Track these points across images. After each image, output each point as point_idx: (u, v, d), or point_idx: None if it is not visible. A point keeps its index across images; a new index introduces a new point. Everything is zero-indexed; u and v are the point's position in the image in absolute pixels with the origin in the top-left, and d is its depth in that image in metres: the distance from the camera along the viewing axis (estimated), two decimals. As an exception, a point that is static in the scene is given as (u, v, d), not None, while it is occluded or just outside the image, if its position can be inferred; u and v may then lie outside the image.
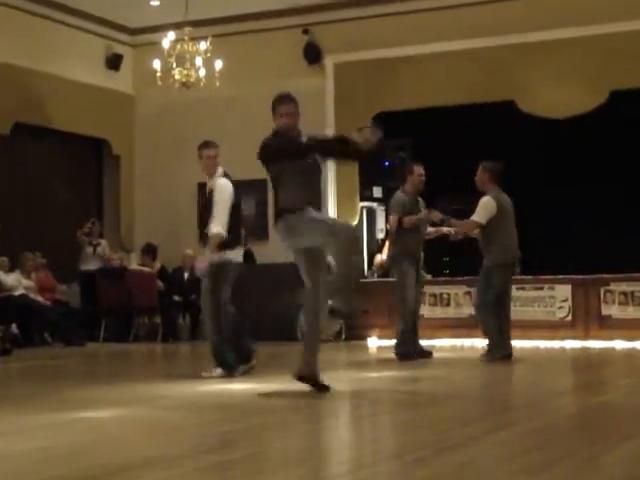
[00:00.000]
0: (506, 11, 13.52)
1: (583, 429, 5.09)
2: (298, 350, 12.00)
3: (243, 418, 5.51)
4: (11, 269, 12.85)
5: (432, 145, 14.77)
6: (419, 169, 9.90)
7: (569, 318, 11.99)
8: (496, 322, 9.24)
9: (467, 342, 12.29)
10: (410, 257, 9.67)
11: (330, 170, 14.76)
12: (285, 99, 7.09)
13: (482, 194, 9.53)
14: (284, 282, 13.19)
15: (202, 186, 8.08)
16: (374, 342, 12.89)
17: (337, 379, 8.18)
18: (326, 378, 7.03)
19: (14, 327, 12.27)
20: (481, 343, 12.12)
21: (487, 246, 9.34)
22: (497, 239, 9.28)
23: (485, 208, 9.35)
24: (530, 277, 12.22)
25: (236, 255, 8.05)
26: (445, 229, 9.80)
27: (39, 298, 12.97)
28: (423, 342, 12.23)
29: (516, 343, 10.82)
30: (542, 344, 11.38)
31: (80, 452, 4.39)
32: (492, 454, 4.18)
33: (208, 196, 7.96)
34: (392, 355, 9.77)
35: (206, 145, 8.19)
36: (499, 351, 9.19)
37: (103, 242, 14.34)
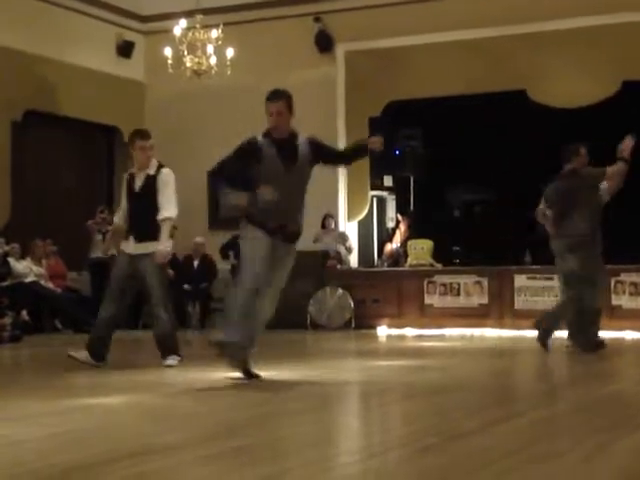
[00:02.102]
0: (518, 0, 13.46)
1: (593, 418, 5.07)
2: (309, 338, 12.04)
3: (251, 406, 5.51)
4: (22, 256, 12.88)
5: (443, 134, 14.76)
6: (584, 150, 9.38)
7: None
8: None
9: (477, 332, 12.27)
10: None
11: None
12: (273, 96, 6.69)
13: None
14: (294, 270, 13.16)
15: (131, 177, 7.69)
16: (384, 331, 12.89)
17: (347, 368, 8.19)
18: (337, 367, 7.02)
19: (24, 314, 12.29)
20: (490, 333, 12.15)
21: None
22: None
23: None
24: (540, 267, 12.19)
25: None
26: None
27: (50, 285, 13.00)
28: (432, 331, 12.27)
29: (527, 333, 10.82)
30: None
31: (88, 438, 4.39)
32: (501, 443, 4.17)
33: (143, 186, 7.56)
34: (402, 344, 9.76)
35: (141, 135, 7.70)
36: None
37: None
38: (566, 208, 8.96)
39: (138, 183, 7.63)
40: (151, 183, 7.58)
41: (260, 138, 6.62)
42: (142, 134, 7.73)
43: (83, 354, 7.51)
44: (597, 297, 8.98)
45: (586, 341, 8.87)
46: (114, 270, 7.72)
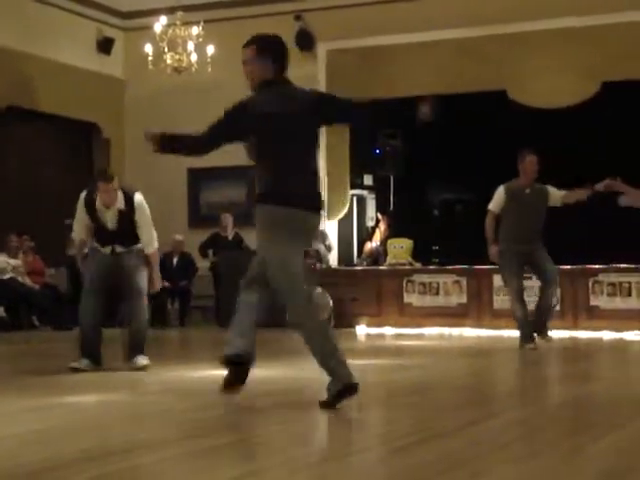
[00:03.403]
0: (499, 1, 13.50)
1: (569, 419, 5.10)
2: (287, 337, 12.03)
3: (227, 405, 5.50)
4: (9, 252, 12.81)
5: (423, 134, 14.76)
6: (531, 156, 9.59)
7: (557, 308, 12.00)
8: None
9: (455, 331, 12.30)
10: None
11: (321, 157, 14.75)
12: (244, 45, 5.51)
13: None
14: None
15: (94, 210, 7.40)
16: (363, 330, 12.90)
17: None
18: (314, 366, 6.99)
19: (1, 310, 12.24)
20: (469, 332, 12.17)
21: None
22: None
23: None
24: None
25: None
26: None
27: (27, 281, 12.94)
28: (411, 330, 12.29)
29: (505, 333, 10.86)
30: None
31: (66, 436, 4.38)
32: (477, 443, 4.18)
33: (119, 222, 7.32)
34: (381, 343, 9.78)
35: (104, 178, 7.38)
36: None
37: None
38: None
39: (110, 219, 7.35)
40: (125, 216, 7.34)
41: None
42: (105, 177, 7.40)
43: (83, 362, 7.21)
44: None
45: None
46: (95, 269, 7.39)
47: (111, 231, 7.34)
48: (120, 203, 7.33)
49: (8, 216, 13.40)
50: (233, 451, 4.03)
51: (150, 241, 7.46)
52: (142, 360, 7.35)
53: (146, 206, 7.43)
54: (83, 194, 7.55)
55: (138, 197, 7.39)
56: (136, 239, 7.43)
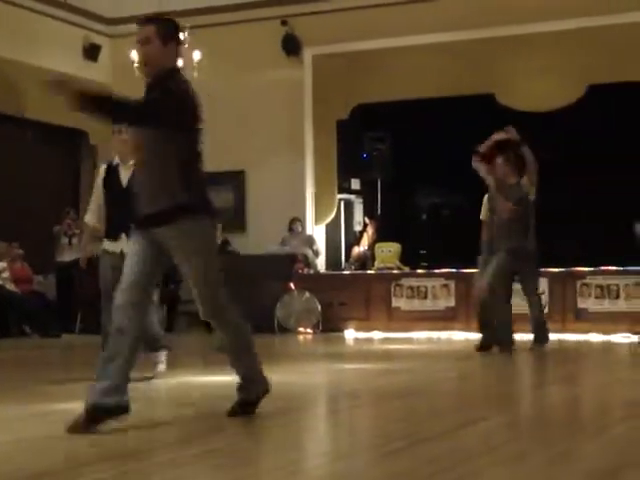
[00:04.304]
0: (486, 4, 13.54)
1: (558, 422, 5.11)
2: (276, 342, 12.03)
3: (218, 410, 5.50)
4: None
5: (411, 138, 14.80)
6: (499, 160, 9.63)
7: (546, 311, 12.02)
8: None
9: (444, 335, 12.32)
10: None
11: (308, 162, 14.78)
12: (138, 22, 4.94)
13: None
14: (262, 273, 13.19)
15: (112, 170, 7.27)
16: (351, 334, 12.91)
17: (314, 371, 8.20)
18: (304, 371, 7.01)
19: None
20: (457, 336, 12.18)
21: (525, 233, 9.35)
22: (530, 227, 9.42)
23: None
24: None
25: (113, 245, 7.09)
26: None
27: (14, 288, 12.90)
28: (400, 334, 12.29)
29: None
30: (519, 337, 11.41)
31: (54, 444, 4.37)
32: (467, 446, 4.19)
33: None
34: (369, 347, 9.79)
35: (117, 131, 7.35)
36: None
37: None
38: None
39: (123, 176, 7.05)
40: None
41: None
42: (118, 130, 7.26)
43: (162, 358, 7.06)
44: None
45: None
46: (106, 274, 6.98)
47: (123, 199, 6.58)
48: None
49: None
50: (224, 457, 4.03)
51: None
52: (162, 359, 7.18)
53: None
54: (103, 166, 7.44)
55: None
56: None
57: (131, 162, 6.62)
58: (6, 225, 13.53)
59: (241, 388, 4.99)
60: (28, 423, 5.00)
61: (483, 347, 9.37)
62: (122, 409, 4.54)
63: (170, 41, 4.79)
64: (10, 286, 12.87)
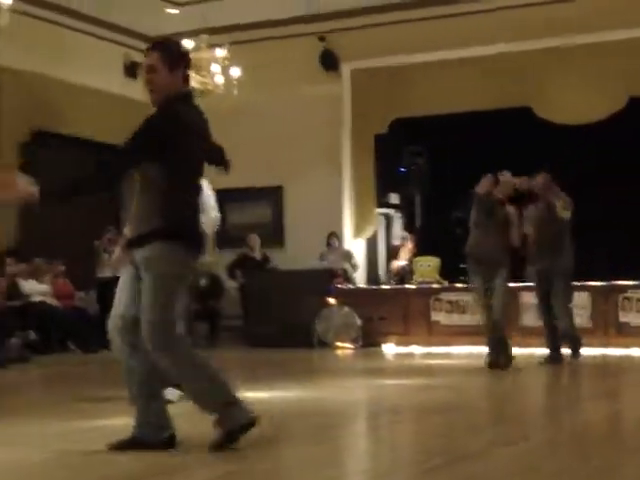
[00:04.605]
0: (522, 17, 13.50)
1: (598, 439, 5.07)
2: (315, 356, 12.03)
3: (261, 426, 5.51)
4: (31, 276, 12.92)
5: (448, 152, 14.77)
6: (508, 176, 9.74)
7: (588, 325, 11.93)
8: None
9: (483, 349, 12.23)
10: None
11: (346, 177, 14.81)
12: (147, 49, 4.83)
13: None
14: (301, 288, 13.22)
15: None
16: (390, 349, 12.88)
17: (353, 387, 8.20)
18: (343, 386, 7.00)
19: (32, 334, 12.32)
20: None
21: (562, 250, 9.40)
22: (567, 245, 9.43)
23: (568, 203, 9.48)
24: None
25: None
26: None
27: (56, 304, 13.03)
28: (439, 349, 12.25)
29: (534, 351, 10.78)
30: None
31: (96, 461, 4.40)
32: (505, 464, 4.17)
33: None
34: (409, 362, 9.76)
35: None
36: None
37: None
38: None
39: None
40: None
41: None
42: None
43: (175, 393, 6.56)
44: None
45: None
46: None
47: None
48: None
49: (39, 240, 13.50)
50: (264, 474, 4.04)
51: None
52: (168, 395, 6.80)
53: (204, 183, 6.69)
54: None
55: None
56: None
57: None
58: (49, 242, 13.68)
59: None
60: (71, 439, 5.04)
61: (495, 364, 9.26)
62: (169, 443, 4.56)
63: (176, 67, 4.72)
64: (52, 302, 13.00)
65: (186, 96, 4.82)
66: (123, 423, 5.67)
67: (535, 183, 9.67)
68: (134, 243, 4.68)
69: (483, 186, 9.51)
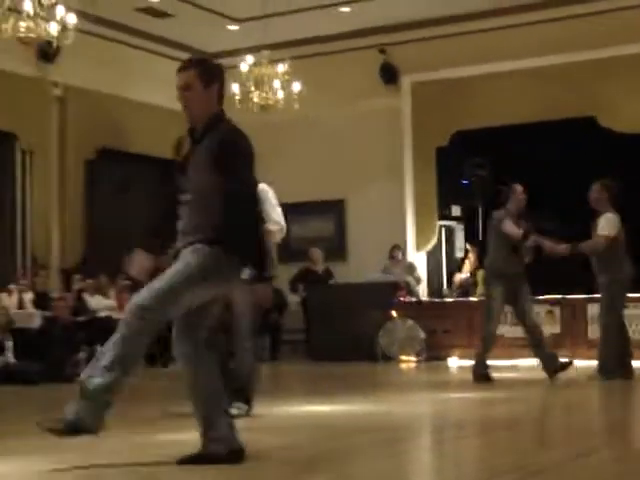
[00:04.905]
0: (584, 26, 13.39)
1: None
2: (379, 370, 12.00)
3: (324, 441, 5.52)
4: (97, 292, 13.10)
5: (510, 163, 14.65)
6: (520, 188, 9.74)
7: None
8: (617, 343, 9.19)
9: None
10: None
11: (408, 189, 14.78)
12: (180, 67, 4.83)
13: (595, 213, 9.42)
14: (363, 301, 13.20)
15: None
16: (455, 362, 12.80)
17: (418, 400, 8.16)
18: (408, 400, 6.94)
19: (99, 348, 12.48)
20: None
21: (607, 262, 9.22)
22: (619, 255, 9.23)
23: (611, 222, 9.26)
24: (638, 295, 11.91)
25: None
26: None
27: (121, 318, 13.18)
28: (504, 362, 12.13)
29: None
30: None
31: (157, 475, 4.44)
32: (578, 479, 4.11)
33: None
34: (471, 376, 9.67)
35: None
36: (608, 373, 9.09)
37: None
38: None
39: None
40: None
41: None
42: None
43: (243, 407, 6.60)
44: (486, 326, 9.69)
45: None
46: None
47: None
48: None
49: (103, 255, 13.69)
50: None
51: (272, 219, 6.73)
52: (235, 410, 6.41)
53: (270, 194, 6.74)
54: None
55: (262, 184, 6.54)
56: None
57: None
58: (112, 258, 13.83)
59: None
60: (134, 454, 5.07)
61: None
62: (237, 458, 4.54)
63: (212, 84, 4.71)
64: (118, 317, 13.15)
65: (224, 115, 4.80)
66: (189, 438, 5.71)
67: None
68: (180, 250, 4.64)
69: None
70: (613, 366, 9.07)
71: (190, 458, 4.55)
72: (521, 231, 9.55)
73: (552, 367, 9.38)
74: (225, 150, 4.60)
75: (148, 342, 4.58)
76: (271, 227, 6.71)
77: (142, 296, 4.53)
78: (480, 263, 14.26)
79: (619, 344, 9.20)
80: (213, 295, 4.64)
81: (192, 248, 4.53)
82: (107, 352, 4.56)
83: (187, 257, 4.54)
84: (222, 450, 4.52)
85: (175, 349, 4.71)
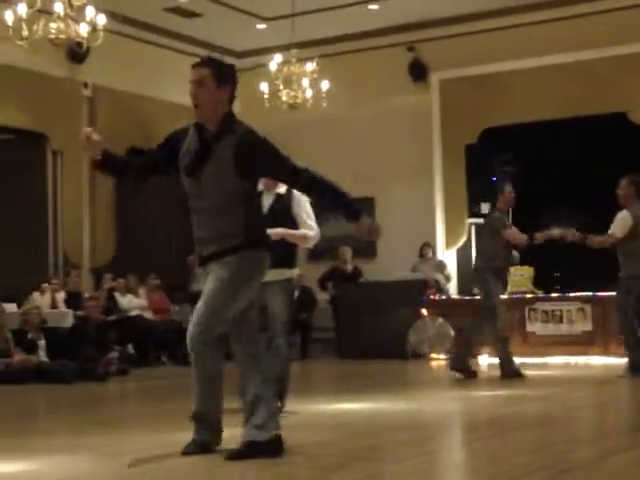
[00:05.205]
0: (614, 22, 13.29)
1: None
2: (410, 368, 11.98)
3: (354, 439, 5.52)
4: (127, 291, 13.18)
5: (539, 159, 14.60)
6: (509, 188, 10.04)
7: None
8: (637, 336, 9.18)
9: (581, 360, 12.05)
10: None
11: (437, 187, 14.74)
12: (195, 63, 4.95)
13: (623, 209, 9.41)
14: (393, 299, 13.18)
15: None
16: (486, 360, 12.74)
17: (448, 398, 8.14)
18: (439, 398, 6.92)
19: (130, 347, 12.56)
20: (595, 361, 11.89)
21: (625, 258, 9.23)
22: (636, 252, 9.15)
23: (623, 221, 9.28)
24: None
25: None
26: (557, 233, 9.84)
27: (151, 317, 13.25)
28: (535, 360, 12.06)
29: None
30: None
31: (193, 475, 4.45)
32: (613, 478, 4.09)
33: (274, 205, 6.71)
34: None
35: None
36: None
37: None
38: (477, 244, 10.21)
39: (266, 202, 6.60)
40: (284, 202, 6.70)
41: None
42: None
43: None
44: (497, 325, 9.68)
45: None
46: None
47: (266, 217, 6.17)
48: (281, 187, 6.72)
49: (134, 255, 13.77)
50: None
51: (309, 224, 6.82)
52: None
53: (306, 199, 6.73)
54: None
55: (297, 193, 6.59)
56: (287, 251, 6.66)
57: (276, 190, 6.72)
58: (143, 258, 13.93)
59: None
60: (170, 452, 5.09)
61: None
62: (278, 445, 4.69)
63: (225, 84, 4.80)
64: (149, 316, 13.23)
65: (234, 116, 4.90)
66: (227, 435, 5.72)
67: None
68: (215, 257, 4.74)
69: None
70: None
71: (236, 452, 4.63)
72: (525, 236, 9.86)
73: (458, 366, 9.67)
74: (254, 151, 4.73)
75: (220, 357, 4.82)
76: (308, 233, 6.80)
77: (194, 331, 4.72)
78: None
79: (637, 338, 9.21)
80: (250, 299, 4.78)
81: (221, 263, 4.67)
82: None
83: (219, 273, 4.67)
84: (265, 437, 4.63)
85: (236, 350, 4.84)
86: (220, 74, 4.79)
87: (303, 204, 6.79)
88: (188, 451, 4.78)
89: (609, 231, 9.38)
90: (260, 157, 4.73)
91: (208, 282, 4.74)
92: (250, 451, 4.61)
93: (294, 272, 6.90)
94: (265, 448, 4.62)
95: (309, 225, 6.80)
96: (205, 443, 4.81)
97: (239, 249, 4.66)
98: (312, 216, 6.90)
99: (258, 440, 4.64)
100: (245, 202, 4.71)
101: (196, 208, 4.81)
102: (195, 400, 4.85)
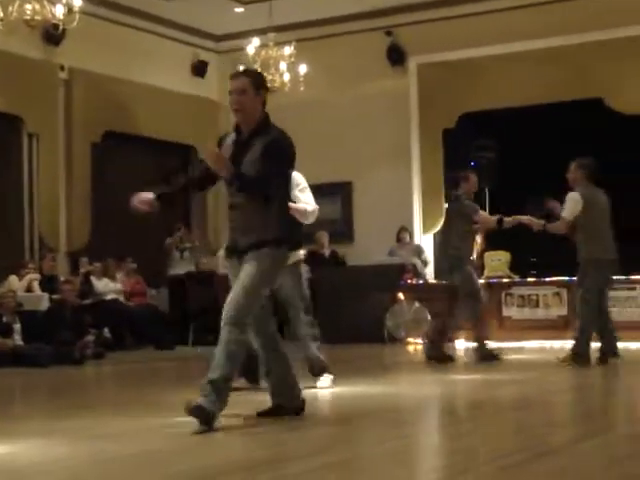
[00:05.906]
0: (591, 8, 13.32)
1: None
2: (386, 352, 12.01)
3: (336, 422, 5.53)
4: (103, 275, 13.12)
5: (518, 145, 14.64)
6: (475, 178, 10.09)
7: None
8: (587, 322, 9.07)
9: (557, 344, 12.11)
10: None
11: (415, 171, 14.75)
12: (235, 74, 5.53)
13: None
14: (370, 284, 13.20)
15: None
16: (462, 344, 12.79)
17: (425, 382, 8.17)
18: (415, 382, 6.94)
19: (106, 331, 12.51)
20: (570, 345, 11.95)
21: (579, 243, 9.13)
22: (587, 236, 9.04)
23: (570, 202, 9.13)
24: (623, 277, 11.94)
25: None
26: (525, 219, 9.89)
27: (127, 301, 13.21)
28: (511, 344, 12.12)
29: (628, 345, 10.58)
30: (635, 345, 11.15)
31: (173, 457, 4.45)
32: (590, 460, 4.12)
33: None
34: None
35: None
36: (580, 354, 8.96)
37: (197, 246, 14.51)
38: (446, 230, 10.23)
39: None
40: None
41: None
42: None
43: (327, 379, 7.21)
44: (473, 310, 9.79)
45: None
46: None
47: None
48: None
49: (110, 239, 13.69)
50: (337, 471, 4.04)
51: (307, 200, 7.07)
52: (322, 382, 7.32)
53: (303, 179, 7.12)
54: None
55: (295, 172, 6.67)
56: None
57: None
58: (121, 241, 13.86)
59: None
60: (144, 436, 5.09)
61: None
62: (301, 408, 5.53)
63: (261, 91, 5.44)
64: (124, 300, 13.18)
65: (269, 118, 5.51)
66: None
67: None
68: (248, 249, 5.23)
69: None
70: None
71: (266, 411, 5.47)
72: (494, 219, 10.01)
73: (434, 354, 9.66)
74: (273, 150, 5.27)
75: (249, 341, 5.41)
76: (308, 207, 7.01)
77: (230, 314, 5.19)
78: (487, 245, 14.26)
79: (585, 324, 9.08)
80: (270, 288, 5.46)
81: (257, 254, 5.20)
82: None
83: (254, 263, 5.20)
84: (290, 402, 5.48)
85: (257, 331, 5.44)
86: (257, 82, 5.47)
87: (297, 182, 6.97)
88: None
89: (562, 214, 9.23)
90: (266, 156, 5.21)
91: (242, 271, 5.20)
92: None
93: (300, 254, 7.15)
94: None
95: (303, 201, 6.99)
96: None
97: (267, 244, 5.18)
98: (307, 192, 7.10)
99: (284, 406, 5.45)
100: (276, 198, 5.25)
101: (232, 204, 5.35)
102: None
